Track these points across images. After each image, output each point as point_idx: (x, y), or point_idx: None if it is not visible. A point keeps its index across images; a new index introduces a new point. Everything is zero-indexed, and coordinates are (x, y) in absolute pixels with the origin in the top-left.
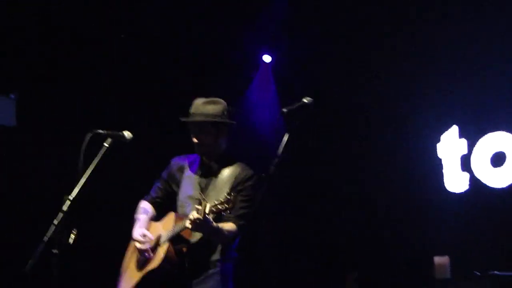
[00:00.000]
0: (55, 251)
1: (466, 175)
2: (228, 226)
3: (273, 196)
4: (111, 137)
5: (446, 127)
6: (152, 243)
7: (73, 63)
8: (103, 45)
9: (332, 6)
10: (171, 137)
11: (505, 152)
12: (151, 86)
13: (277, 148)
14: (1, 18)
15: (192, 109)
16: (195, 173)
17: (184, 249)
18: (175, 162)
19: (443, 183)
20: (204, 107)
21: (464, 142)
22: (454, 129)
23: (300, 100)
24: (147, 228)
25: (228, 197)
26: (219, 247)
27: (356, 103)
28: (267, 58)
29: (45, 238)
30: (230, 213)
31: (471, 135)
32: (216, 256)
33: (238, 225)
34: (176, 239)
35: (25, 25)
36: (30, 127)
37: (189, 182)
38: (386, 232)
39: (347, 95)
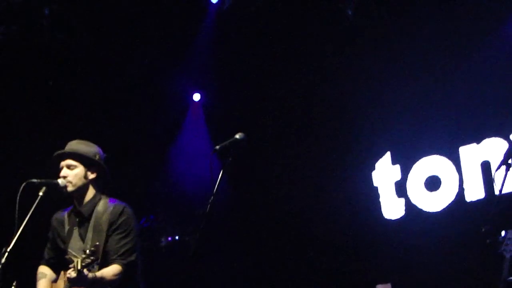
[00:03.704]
0: None
1: (402, 201)
2: (112, 269)
3: (212, 231)
4: (45, 186)
5: (381, 154)
6: None
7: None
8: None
9: (262, 39)
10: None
11: (439, 176)
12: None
13: (213, 185)
14: None
15: (65, 148)
16: (72, 224)
17: None
18: (55, 218)
19: (381, 211)
20: (76, 145)
21: (397, 168)
22: (387, 156)
23: (232, 136)
24: None
25: (93, 248)
26: None
27: (289, 135)
28: (196, 97)
29: None
30: (113, 256)
31: (405, 160)
32: None
33: (123, 265)
34: None
35: None
36: None
37: (71, 236)
38: (326, 263)
39: (279, 128)
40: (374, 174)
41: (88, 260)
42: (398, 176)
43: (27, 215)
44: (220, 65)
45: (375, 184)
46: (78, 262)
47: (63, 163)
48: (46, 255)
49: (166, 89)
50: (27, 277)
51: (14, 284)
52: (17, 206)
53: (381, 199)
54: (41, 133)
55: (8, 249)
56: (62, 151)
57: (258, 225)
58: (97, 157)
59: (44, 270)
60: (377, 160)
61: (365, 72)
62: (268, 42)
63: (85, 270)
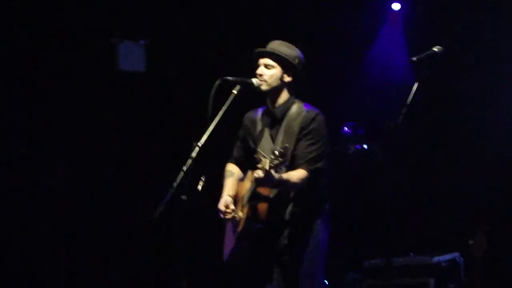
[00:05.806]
0: (183, 197)
1: None
2: (298, 173)
3: (400, 144)
4: (240, 84)
5: None
6: (239, 207)
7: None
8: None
9: None
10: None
11: None
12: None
13: (406, 97)
14: None
15: (267, 46)
16: (264, 124)
17: (265, 206)
18: (248, 117)
19: None
20: (278, 45)
21: None
22: None
23: (430, 49)
24: (236, 190)
25: (282, 150)
26: (306, 202)
27: (487, 52)
28: (396, 6)
29: (174, 184)
30: (300, 160)
31: None
32: (303, 210)
33: (308, 170)
34: (256, 197)
35: None
36: (159, 73)
37: (262, 136)
38: None
39: (478, 45)
40: None
41: (277, 161)
42: None
43: (220, 112)
44: None
45: None
46: (266, 162)
47: (261, 61)
48: (235, 153)
49: None
50: (214, 173)
51: (202, 178)
52: (210, 102)
53: None
54: (242, 31)
55: (199, 144)
56: (263, 49)
57: (448, 142)
58: (297, 60)
59: (232, 168)
60: None
61: None
62: None
63: (272, 171)
